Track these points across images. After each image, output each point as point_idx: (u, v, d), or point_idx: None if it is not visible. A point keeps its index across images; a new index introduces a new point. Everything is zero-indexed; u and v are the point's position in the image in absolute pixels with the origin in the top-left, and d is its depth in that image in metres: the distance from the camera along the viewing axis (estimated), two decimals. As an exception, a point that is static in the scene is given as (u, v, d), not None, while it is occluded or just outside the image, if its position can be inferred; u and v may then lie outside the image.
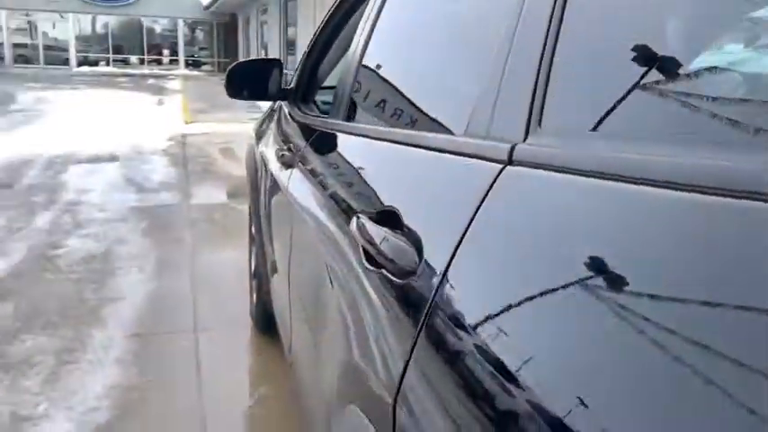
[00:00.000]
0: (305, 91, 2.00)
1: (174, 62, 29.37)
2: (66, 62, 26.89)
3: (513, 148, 0.61)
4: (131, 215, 4.77)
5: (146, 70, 26.92)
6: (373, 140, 1.07)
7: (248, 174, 2.73)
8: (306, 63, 1.99)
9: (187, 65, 29.02)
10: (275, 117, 2.26)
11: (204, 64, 29.36)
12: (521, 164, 0.60)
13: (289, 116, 1.97)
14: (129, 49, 29.41)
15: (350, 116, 1.34)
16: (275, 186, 1.86)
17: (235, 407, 2.30)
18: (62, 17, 27.05)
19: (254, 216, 2.61)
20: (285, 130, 1.96)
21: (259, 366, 2.60)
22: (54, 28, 27.90)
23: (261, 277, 2.53)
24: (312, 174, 1.39)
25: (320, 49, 1.95)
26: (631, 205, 0.47)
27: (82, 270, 3.57)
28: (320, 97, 2.03)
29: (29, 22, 27.62)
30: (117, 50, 29.02)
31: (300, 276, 1.38)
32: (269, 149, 2.11)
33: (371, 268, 0.81)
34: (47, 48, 27.48)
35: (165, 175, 6.30)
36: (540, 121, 0.61)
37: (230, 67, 2.04)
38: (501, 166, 0.62)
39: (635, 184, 0.46)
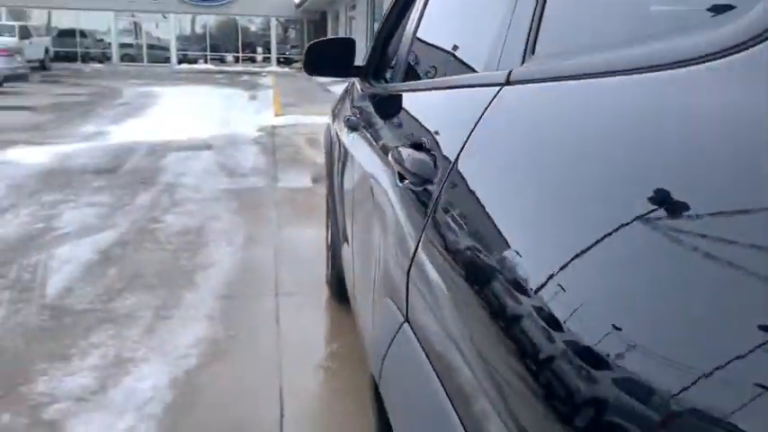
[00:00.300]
0: (375, 68, 2.17)
1: (266, 60, 30.42)
2: (167, 60, 28.43)
3: (510, 73, 0.76)
4: (223, 196, 5.13)
5: (240, 67, 28.04)
6: (421, 92, 1.24)
7: (325, 150, 2.95)
8: (376, 42, 2.17)
9: (279, 62, 29.96)
10: (348, 94, 2.46)
11: (295, 61, 30.23)
12: (516, 83, 0.75)
13: (359, 90, 2.16)
14: (225, 48, 30.75)
15: (405, 78, 1.51)
16: (344, 154, 2.05)
17: (308, 359, 2.51)
18: (164, 17, 28.62)
19: (329, 190, 2.82)
20: (355, 101, 2.15)
21: (333, 327, 2.81)
22: (157, 28, 29.57)
23: (335, 247, 2.73)
24: (370, 129, 1.57)
25: (388, 30, 2.12)
26: (599, 95, 0.58)
27: (178, 241, 3.91)
28: (389, 74, 2.19)
29: (134, 23, 29.41)
30: (214, 49, 30.40)
31: (358, 218, 1.56)
32: (341, 123, 2.31)
33: (401, 184, 0.98)
34: (150, 47, 29.17)
35: (254, 162, 6.68)
36: (533, 50, 0.76)
37: (308, 45, 2.25)
38: (500, 87, 0.77)
39: (600, 77, 0.58)
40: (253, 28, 31.84)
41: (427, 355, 0.73)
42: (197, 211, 4.64)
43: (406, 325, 0.82)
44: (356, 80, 2.35)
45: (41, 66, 20.84)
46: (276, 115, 10.40)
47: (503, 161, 0.70)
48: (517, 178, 0.66)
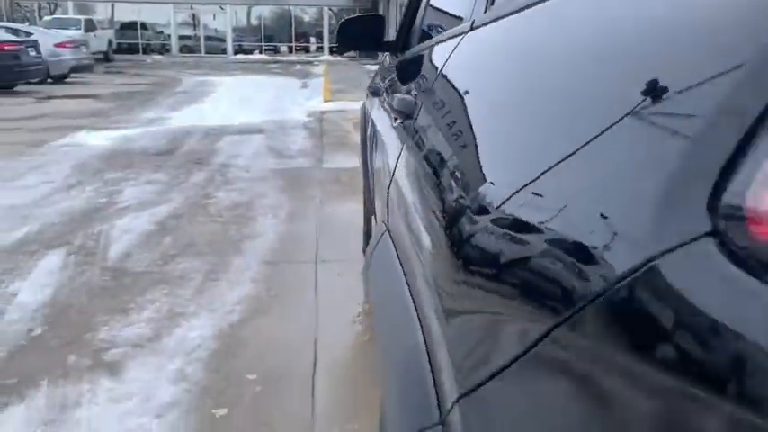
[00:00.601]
0: (403, 41, 2.32)
1: (319, 49, 30.78)
2: (223, 51, 29.14)
3: (473, 21, 0.91)
4: (271, 175, 5.37)
5: (293, 57, 28.48)
6: (422, 52, 1.39)
7: (360, 127, 3.12)
8: (404, 17, 2.31)
9: (332, 52, 30.18)
10: (379, 70, 2.62)
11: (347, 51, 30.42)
12: (477, 28, 0.90)
13: (388, 62, 2.32)
14: (279, 38, 31.29)
15: (418, 43, 1.67)
16: (370, 125, 2.21)
17: (342, 316, 2.70)
18: (222, 9, 29.32)
19: (363, 165, 2.99)
20: (382, 73, 2.31)
21: (366, 290, 2.99)
22: (214, 20, 30.33)
23: (368, 216, 2.90)
24: (387, 93, 1.73)
25: (415, 5, 2.26)
26: (533, 24, 0.72)
27: (228, 215, 4.16)
28: (410, 44, 2.34)
29: (192, 15, 30.24)
30: (268, 39, 30.97)
31: (377, 180, 1.72)
32: (370, 96, 2.47)
33: (394, 124, 1.14)
34: (207, 38, 29.96)
35: (302, 145, 6.92)
36: (493, 2, 0.90)
37: (340, 22, 2.42)
38: (464, 34, 0.92)
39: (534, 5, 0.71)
40: (306, 18, 32.27)
41: (397, 254, 0.90)
42: (246, 188, 4.89)
43: (386, 233, 0.98)
44: (387, 55, 2.50)
45: (105, 57, 21.69)
46: (325, 101, 10.64)
47: (459, 90, 0.86)
48: (468, 104, 0.81)
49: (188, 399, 2.07)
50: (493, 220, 0.57)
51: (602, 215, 0.39)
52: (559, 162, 0.48)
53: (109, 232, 3.76)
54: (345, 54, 29.51)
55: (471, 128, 0.74)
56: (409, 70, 1.48)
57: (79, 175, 5.22)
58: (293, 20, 31.14)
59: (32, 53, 12.33)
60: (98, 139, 6.88)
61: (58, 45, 14.03)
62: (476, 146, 0.72)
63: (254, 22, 31.57)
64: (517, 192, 0.54)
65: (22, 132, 7.35)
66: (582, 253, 0.40)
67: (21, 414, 1.99)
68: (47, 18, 22.52)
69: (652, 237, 0.33)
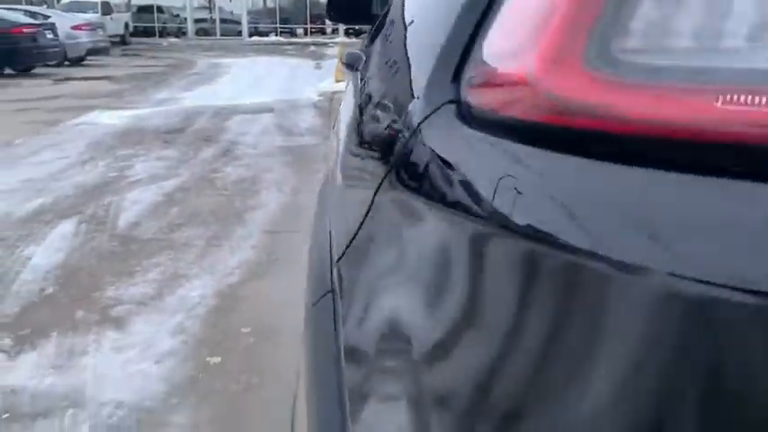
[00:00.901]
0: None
1: (335, 31, 30.77)
2: (239, 34, 29.24)
3: None
4: (278, 152, 5.51)
5: (309, 39, 28.52)
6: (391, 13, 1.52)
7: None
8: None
9: (347, 34, 30.21)
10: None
11: (363, 32, 30.41)
12: None
13: (373, 34, 2.44)
14: (295, 21, 31.33)
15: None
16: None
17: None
18: (237, -9, 29.41)
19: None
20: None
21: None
22: (230, 2, 30.43)
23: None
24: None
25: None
26: None
27: (234, 188, 4.31)
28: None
29: (209, -1, 30.39)
30: (284, 22, 31.02)
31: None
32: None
33: (346, 71, 1.27)
34: (223, 21, 30.08)
35: (310, 123, 7.04)
36: None
37: (330, -7, 2.52)
38: None
39: None
40: (322, 0, 32.28)
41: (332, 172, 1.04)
42: (253, 164, 5.04)
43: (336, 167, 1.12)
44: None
45: (121, 40, 21.93)
46: (337, 81, 10.72)
47: (382, 36, 0.98)
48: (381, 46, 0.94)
49: (185, 349, 2.23)
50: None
51: (397, 99, 0.52)
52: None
53: (119, 203, 3.92)
54: (361, 36, 29.59)
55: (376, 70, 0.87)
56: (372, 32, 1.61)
57: (93, 152, 5.39)
58: (308, 2, 31.14)
59: (50, 36, 12.54)
60: (112, 119, 7.05)
61: (75, 28, 14.24)
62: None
63: (269, 4, 31.65)
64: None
65: (40, 112, 7.54)
66: (399, 129, 0.52)
67: (32, 360, 2.16)
68: (64, 1, 22.72)
69: (422, 106, 0.46)
